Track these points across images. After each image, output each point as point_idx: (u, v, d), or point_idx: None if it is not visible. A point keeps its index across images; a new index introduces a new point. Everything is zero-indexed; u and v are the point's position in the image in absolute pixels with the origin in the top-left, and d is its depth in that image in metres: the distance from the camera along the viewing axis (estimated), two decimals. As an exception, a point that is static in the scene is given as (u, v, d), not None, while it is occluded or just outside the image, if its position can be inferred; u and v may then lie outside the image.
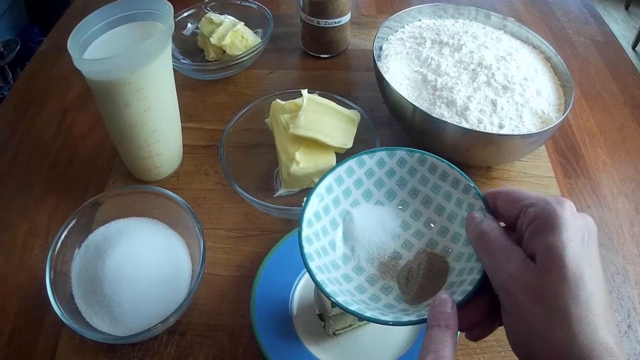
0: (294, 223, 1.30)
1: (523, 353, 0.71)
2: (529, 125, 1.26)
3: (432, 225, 0.91)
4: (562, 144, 1.54)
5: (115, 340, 1.07)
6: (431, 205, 0.92)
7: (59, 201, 1.38)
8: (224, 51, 1.66)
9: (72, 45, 1.13)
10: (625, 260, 1.28)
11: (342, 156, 1.33)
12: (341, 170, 0.93)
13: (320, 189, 0.91)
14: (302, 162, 1.27)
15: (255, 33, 1.74)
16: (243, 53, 1.60)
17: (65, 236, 1.15)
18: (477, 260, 0.78)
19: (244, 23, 1.70)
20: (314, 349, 1.10)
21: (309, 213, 0.89)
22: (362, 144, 1.34)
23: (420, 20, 1.59)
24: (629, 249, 1.31)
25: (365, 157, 0.93)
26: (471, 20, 1.58)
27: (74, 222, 1.16)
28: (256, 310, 1.13)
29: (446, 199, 0.90)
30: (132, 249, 1.14)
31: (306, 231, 0.87)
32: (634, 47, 4.79)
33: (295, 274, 1.20)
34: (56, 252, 1.12)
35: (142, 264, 1.12)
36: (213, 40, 1.63)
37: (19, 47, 3.53)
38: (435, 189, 0.92)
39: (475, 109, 1.27)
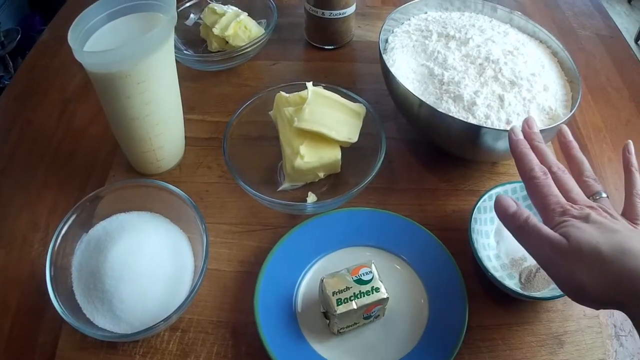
0: (297, 218, 1.29)
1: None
2: (536, 122, 1.25)
3: None
4: (568, 139, 1.53)
5: (116, 338, 1.06)
6: None
7: (60, 194, 1.37)
8: (227, 42, 1.64)
9: (72, 37, 1.11)
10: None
11: (347, 150, 1.33)
12: (509, 186, 1.29)
13: (492, 192, 1.27)
14: (307, 156, 1.26)
15: (259, 24, 1.72)
16: (246, 44, 1.59)
17: (66, 231, 1.13)
18: None
19: (247, 13, 1.69)
20: (317, 347, 1.09)
21: (480, 204, 1.25)
22: (368, 137, 1.33)
23: (426, 13, 1.57)
24: (634, 245, 1.30)
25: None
26: (477, 13, 1.57)
27: (74, 216, 1.15)
28: (260, 306, 1.11)
29: None
30: (133, 243, 1.12)
31: (475, 215, 1.23)
32: (636, 40, 4.78)
33: (300, 271, 1.19)
34: (56, 247, 1.11)
35: (144, 259, 1.11)
36: (216, 30, 1.62)
37: (19, 36, 3.52)
38: None
39: (482, 105, 1.26)
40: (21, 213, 1.33)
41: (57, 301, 1.04)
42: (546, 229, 0.91)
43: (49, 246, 1.10)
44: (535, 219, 0.94)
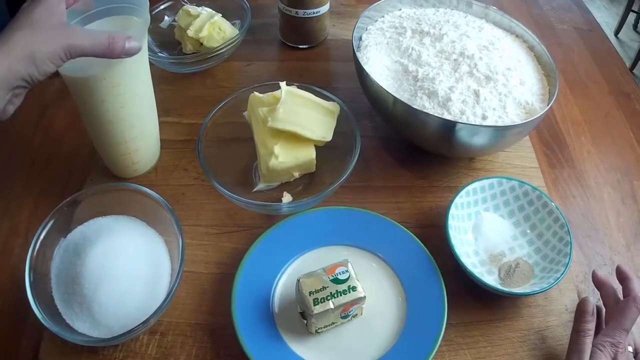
0: (274, 218, 1.28)
1: None
2: (512, 116, 1.25)
3: (533, 244, 1.25)
4: (546, 133, 1.53)
5: (95, 342, 1.06)
6: (536, 230, 1.26)
7: (39, 199, 1.36)
8: (202, 43, 1.64)
9: None
10: (612, 251, 1.29)
11: (322, 149, 1.32)
12: (486, 182, 1.29)
13: (469, 188, 1.27)
14: (282, 155, 1.25)
15: (233, 24, 1.72)
16: (221, 45, 1.58)
17: (44, 236, 1.13)
18: (553, 273, 1.15)
19: (221, 14, 1.68)
20: (296, 347, 1.09)
21: (457, 200, 1.24)
22: (342, 136, 1.33)
23: (400, 10, 1.57)
24: (615, 239, 1.31)
25: (504, 180, 1.29)
26: (452, 9, 1.57)
27: (52, 221, 1.15)
28: (237, 308, 1.11)
29: (541, 222, 1.26)
30: (111, 247, 1.12)
31: (452, 211, 1.22)
32: (616, 34, 4.80)
33: (276, 271, 1.19)
34: (35, 253, 1.11)
35: (122, 263, 1.11)
36: (190, 32, 1.61)
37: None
38: (535, 213, 1.28)
39: (457, 100, 1.26)
40: (1, 219, 1.32)
41: (37, 307, 1.04)
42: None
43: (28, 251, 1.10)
44: (591, 339, 1.04)
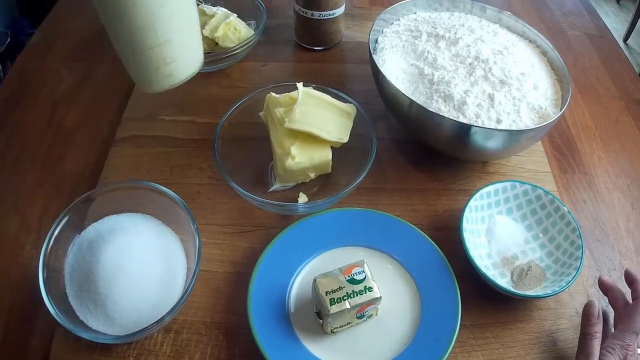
0: (289, 218, 1.29)
1: None
2: (526, 120, 1.26)
3: (544, 247, 1.26)
4: (558, 138, 1.54)
5: (109, 340, 1.06)
6: (548, 234, 1.27)
7: (51, 196, 1.36)
8: (217, 43, 1.64)
9: None
10: (622, 256, 1.29)
11: (338, 150, 1.33)
12: (500, 185, 1.29)
13: (483, 191, 1.27)
14: (298, 156, 1.25)
15: (248, 25, 1.72)
16: (236, 45, 1.59)
17: (58, 233, 1.13)
18: (565, 277, 1.16)
19: (237, 15, 1.68)
20: (311, 347, 1.09)
21: (472, 203, 1.25)
22: (358, 138, 1.33)
23: (415, 13, 1.57)
24: (625, 244, 1.32)
25: (517, 184, 1.30)
26: (466, 14, 1.57)
27: (66, 219, 1.15)
28: (253, 307, 1.11)
29: (553, 226, 1.27)
30: (126, 245, 1.12)
31: (466, 214, 1.23)
32: (625, 40, 4.79)
33: (292, 271, 1.19)
34: (49, 250, 1.10)
35: (137, 260, 1.11)
36: (206, 32, 1.61)
37: (9, 40, 3.50)
38: (548, 217, 1.28)
39: (472, 104, 1.26)
40: (12, 216, 1.32)
41: (51, 303, 1.04)
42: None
43: (41, 248, 1.09)
44: (599, 342, 1.05)
